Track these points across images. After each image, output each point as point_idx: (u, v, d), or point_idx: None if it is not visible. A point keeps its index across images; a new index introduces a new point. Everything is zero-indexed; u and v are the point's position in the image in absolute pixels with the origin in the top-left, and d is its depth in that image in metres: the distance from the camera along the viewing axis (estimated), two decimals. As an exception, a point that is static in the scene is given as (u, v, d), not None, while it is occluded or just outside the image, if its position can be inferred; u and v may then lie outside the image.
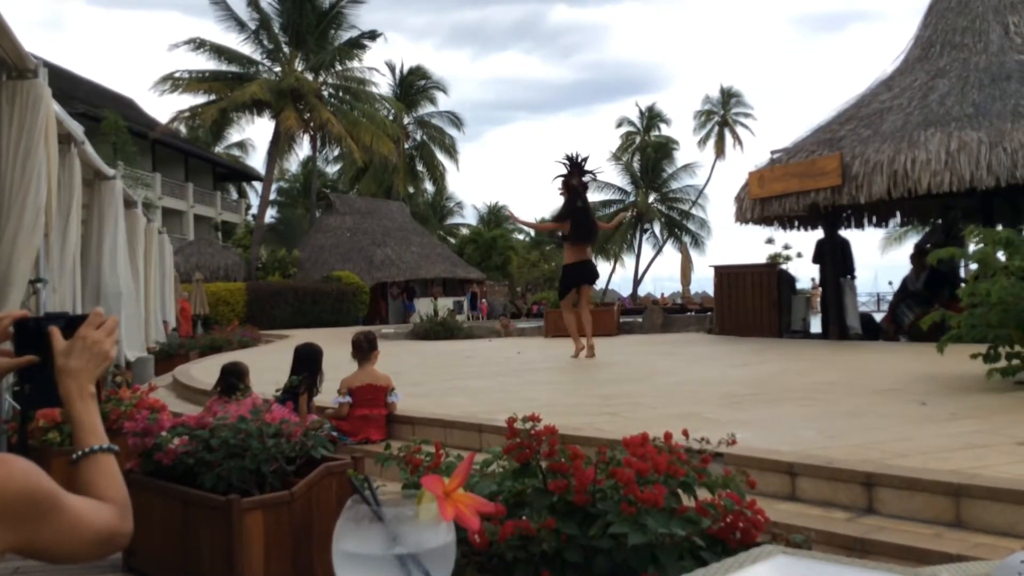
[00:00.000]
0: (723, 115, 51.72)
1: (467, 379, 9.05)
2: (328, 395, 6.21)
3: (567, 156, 10.81)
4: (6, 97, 4.67)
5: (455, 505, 0.88)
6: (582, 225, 10.60)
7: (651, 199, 50.53)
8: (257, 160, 50.82)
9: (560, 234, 10.96)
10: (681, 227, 50.53)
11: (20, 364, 1.30)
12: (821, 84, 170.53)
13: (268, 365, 8.16)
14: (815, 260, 14.38)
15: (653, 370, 9.50)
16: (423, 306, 28.58)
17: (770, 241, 16.40)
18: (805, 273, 47.64)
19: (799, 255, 17.75)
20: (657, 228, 51.50)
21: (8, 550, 1.01)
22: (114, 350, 1.34)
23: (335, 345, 8.09)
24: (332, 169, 49.28)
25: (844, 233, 14.99)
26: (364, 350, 6.18)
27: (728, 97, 52.00)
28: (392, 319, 32.40)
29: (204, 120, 34.20)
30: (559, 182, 10.84)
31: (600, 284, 46.87)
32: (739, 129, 51.78)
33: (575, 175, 10.83)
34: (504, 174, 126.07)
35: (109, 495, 1.19)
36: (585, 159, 10.88)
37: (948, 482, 3.41)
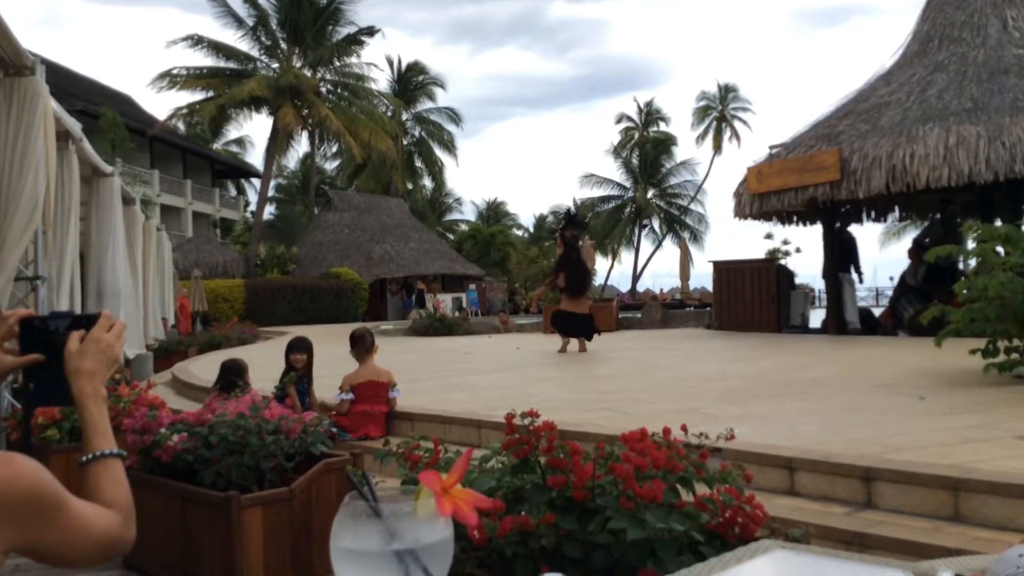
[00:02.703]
0: (721, 110, 51.67)
1: (466, 375, 9.05)
2: (330, 392, 6.21)
3: (566, 212, 12.16)
4: (4, 95, 4.66)
5: (453, 501, 0.88)
6: (578, 280, 11.32)
7: (650, 195, 50.50)
8: (255, 157, 50.88)
9: (558, 286, 11.55)
10: (680, 222, 50.49)
11: (25, 363, 1.30)
12: (820, 79, 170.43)
13: (267, 362, 8.15)
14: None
15: (652, 366, 9.50)
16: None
17: (769, 236, 16.37)
18: (805, 269, 47.57)
19: (798, 250, 17.73)
20: (656, 224, 51.48)
21: (11, 549, 1.02)
22: (121, 354, 1.34)
23: (334, 342, 8.09)
24: (331, 166, 49.26)
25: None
26: (367, 345, 6.17)
27: (726, 92, 51.94)
28: (391, 315, 32.40)
29: (202, 117, 34.14)
30: (557, 236, 11.76)
31: (599, 280, 46.96)
32: (737, 124, 51.72)
33: (568, 227, 11.72)
34: (503, 170, 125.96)
35: (114, 501, 1.18)
36: (577, 213, 12.22)
37: (947, 476, 3.42)
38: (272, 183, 40.36)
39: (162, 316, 13.16)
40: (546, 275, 12.55)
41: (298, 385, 6.07)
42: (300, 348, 6.38)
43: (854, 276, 14.29)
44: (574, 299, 11.26)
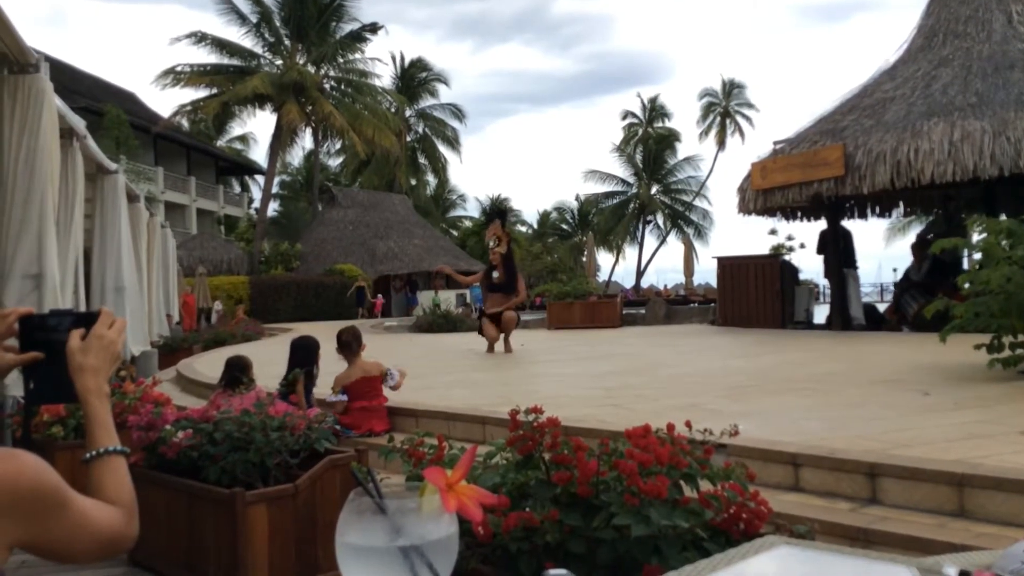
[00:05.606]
0: (724, 106, 51.61)
1: (470, 371, 9.05)
2: (323, 391, 6.20)
3: (502, 211, 11.97)
4: (7, 92, 4.67)
5: (457, 497, 0.88)
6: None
7: (654, 191, 50.50)
8: (259, 154, 50.85)
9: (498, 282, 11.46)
10: (684, 218, 50.51)
11: (25, 361, 1.30)
12: (824, 74, 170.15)
13: (271, 358, 8.16)
14: (819, 251, 14.37)
15: (656, 362, 9.49)
16: (425, 299, 28.58)
17: (773, 232, 16.36)
18: (808, 264, 47.55)
19: (802, 246, 17.72)
20: (660, 219, 51.48)
21: (15, 544, 1.02)
22: (123, 350, 1.35)
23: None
24: (334, 162, 49.32)
25: (847, 224, 14.98)
26: (352, 347, 6.08)
27: (730, 88, 51.89)
28: (395, 312, 32.44)
29: (206, 114, 34.21)
30: (501, 232, 11.37)
31: (603, 276, 47.01)
32: (740, 120, 51.67)
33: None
34: (506, 166, 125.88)
35: (117, 498, 1.19)
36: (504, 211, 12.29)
37: (951, 472, 3.41)
38: (276, 180, 40.47)
39: (167, 313, 13.16)
40: (485, 270, 12.25)
41: (306, 383, 6.07)
42: (318, 347, 6.39)
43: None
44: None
